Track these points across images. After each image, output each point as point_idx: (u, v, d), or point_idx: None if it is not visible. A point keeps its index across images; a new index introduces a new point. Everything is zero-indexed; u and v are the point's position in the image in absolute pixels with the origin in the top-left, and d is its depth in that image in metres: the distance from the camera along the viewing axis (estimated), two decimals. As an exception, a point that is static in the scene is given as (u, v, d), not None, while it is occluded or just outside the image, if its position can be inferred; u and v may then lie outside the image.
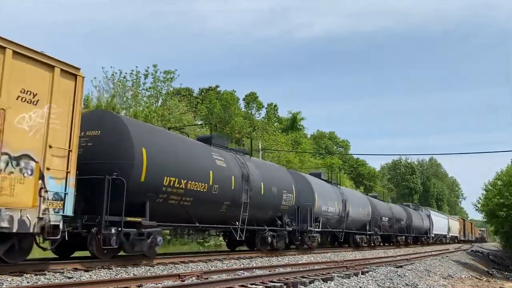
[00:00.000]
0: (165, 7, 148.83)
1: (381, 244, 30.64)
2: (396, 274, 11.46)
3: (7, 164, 7.39)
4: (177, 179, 11.01)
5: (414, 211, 39.52)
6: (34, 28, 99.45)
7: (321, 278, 9.23)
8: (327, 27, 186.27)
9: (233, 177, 13.64)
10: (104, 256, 9.74)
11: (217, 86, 51.59)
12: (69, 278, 7.80)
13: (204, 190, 12.12)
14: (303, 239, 18.37)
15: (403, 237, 34.23)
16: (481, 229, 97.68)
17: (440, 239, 49.61)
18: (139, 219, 10.04)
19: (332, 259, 14.91)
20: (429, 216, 43.56)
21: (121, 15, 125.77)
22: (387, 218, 29.82)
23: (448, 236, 52.12)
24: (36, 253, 10.08)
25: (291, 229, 17.14)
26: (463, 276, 16.71)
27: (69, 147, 8.50)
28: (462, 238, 63.07)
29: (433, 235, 43.78)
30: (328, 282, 9.19)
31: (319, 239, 20.35)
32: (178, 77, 29.95)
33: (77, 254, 10.92)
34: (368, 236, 26.17)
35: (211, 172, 12.52)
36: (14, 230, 7.44)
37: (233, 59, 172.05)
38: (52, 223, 8.06)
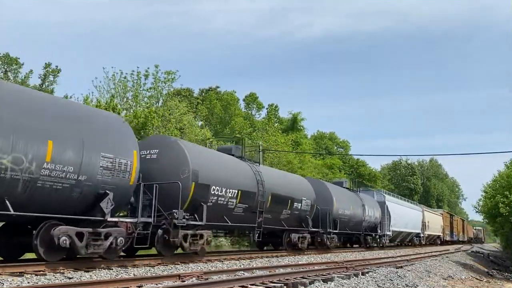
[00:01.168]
0: (165, 7, 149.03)
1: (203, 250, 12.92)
2: (396, 275, 11.46)
3: None
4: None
5: (345, 191, 24.37)
6: (34, 28, 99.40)
7: (321, 279, 9.23)
8: (327, 27, 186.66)
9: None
10: None
11: (218, 87, 51.73)
12: (70, 278, 7.81)
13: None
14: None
15: (308, 235, 18.77)
16: (477, 228, 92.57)
17: (411, 239, 36.39)
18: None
19: (332, 260, 14.91)
20: (382, 204, 28.44)
21: (121, 15, 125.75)
22: (231, 191, 13.79)
23: (422, 235, 37.78)
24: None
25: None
26: (463, 276, 16.71)
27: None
28: (448, 239, 49.15)
29: (389, 233, 29.00)
30: (328, 282, 9.19)
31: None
32: (179, 77, 30.10)
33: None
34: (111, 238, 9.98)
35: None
36: None
37: (233, 59, 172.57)
38: None
